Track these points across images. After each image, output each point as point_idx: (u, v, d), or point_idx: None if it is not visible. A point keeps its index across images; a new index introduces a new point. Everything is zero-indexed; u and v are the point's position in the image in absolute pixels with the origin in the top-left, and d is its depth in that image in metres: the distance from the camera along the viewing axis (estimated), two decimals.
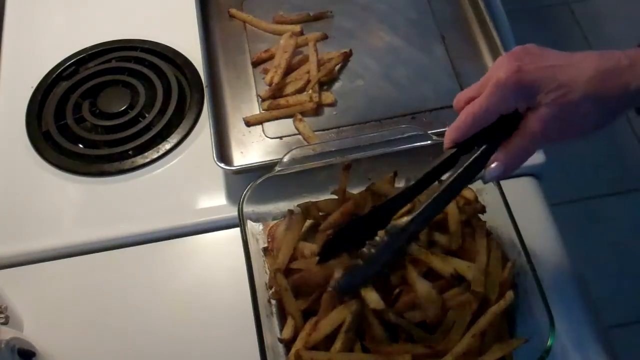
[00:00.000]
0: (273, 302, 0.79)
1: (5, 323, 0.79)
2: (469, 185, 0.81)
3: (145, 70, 1.06)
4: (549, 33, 2.27)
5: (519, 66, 0.62)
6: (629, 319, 1.73)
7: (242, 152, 0.94)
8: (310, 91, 0.97)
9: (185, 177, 0.96)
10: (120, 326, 0.85)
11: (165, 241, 0.91)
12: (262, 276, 0.79)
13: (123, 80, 1.06)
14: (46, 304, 0.87)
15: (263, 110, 0.98)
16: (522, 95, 0.63)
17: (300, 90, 0.98)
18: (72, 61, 1.09)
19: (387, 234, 0.71)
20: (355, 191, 0.84)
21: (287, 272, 0.79)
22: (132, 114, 1.02)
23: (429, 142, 0.84)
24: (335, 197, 0.83)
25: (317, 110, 0.97)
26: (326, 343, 0.73)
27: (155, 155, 0.98)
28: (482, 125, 0.65)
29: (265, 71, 1.01)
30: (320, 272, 0.76)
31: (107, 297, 0.87)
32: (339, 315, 0.73)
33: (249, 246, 0.78)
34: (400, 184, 0.84)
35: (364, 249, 0.73)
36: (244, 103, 0.99)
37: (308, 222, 0.83)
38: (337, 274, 0.74)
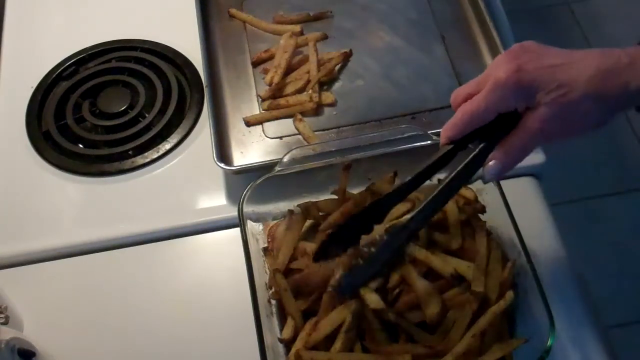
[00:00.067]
0: (273, 302, 0.79)
1: (5, 323, 0.79)
2: (469, 185, 0.81)
3: (145, 70, 1.06)
4: (549, 33, 2.27)
5: (518, 65, 0.62)
6: (629, 319, 1.73)
7: (242, 152, 0.94)
8: (310, 91, 0.97)
9: (185, 177, 0.96)
10: (120, 326, 0.85)
11: (165, 241, 0.91)
12: (262, 276, 0.79)
13: (123, 80, 1.06)
14: (46, 304, 0.87)
15: (263, 110, 0.98)
16: (521, 95, 0.63)
17: (300, 90, 0.98)
18: (72, 61, 1.09)
19: (387, 233, 0.71)
20: (355, 191, 0.84)
21: (287, 272, 0.79)
22: (132, 114, 1.02)
23: (429, 142, 0.84)
24: (335, 197, 0.83)
25: (317, 110, 0.97)
26: (326, 343, 0.73)
27: (155, 155, 0.98)
28: (480, 124, 0.65)
29: (265, 71, 1.01)
30: (320, 272, 0.76)
31: (107, 297, 0.87)
32: (339, 315, 0.73)
33: (249, 246, 0.78)
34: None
35: (364, 249, 0.73)
36: (244, 103, 0.99)
37: (308, 222, 0.83)
38: (337, 274, 0.74)
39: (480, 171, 0.67)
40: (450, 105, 0.69)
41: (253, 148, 0.94)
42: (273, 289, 0.78)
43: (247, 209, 0.81)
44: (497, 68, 0.63)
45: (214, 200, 0.94)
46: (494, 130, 0.65)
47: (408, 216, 0.69)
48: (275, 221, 0.85)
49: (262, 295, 0.77)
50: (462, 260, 0.76)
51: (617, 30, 2.23)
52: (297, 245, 0.81)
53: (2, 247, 0.91)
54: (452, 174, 0.67)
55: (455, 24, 1.06)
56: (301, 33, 1.04)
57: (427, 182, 0.70)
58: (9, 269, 0.90)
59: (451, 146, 0.67)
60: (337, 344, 0.72)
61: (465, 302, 0.72)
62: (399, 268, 0.75)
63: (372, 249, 0.72)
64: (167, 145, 0.99)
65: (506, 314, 0.73)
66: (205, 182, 0.95)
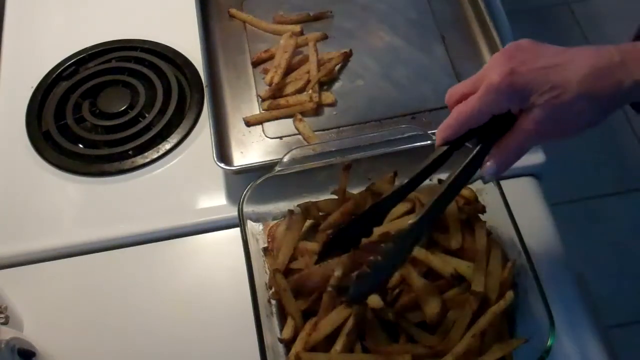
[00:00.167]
0: (273, 302, 0.79)
1: (5, 323, 0.79)
2: (469, 185, 0.81)
3: (145, 70, 1.06)
4: (549, 33, 2.27)
5: (512, 68, 0.62)
6: (629, 319, 1.73)
7: (242, 152, 0.94)
8: (310, 91, 0.97)
9: (185, 177, 0.96)
10: (120, 326, 0.85)
11: (165, 241, 0.91)
12: (262, 276, 0.79)
13: (123, 80, 1.06)
14: (46, 304, 0.87)
15: (263, 110, 0.98)
16: (514, 98, 0.63)
17: (300, 90, 0.98)
18: (72, 61, 1.09)
19: (393, 240, 0.71)
20: (355, 191, 0.84)
21: (287, 272, 0.79)
22: (132, 114, 1.02)
23: (429, 142, 0.84)
24: (335, 197, 0.83)
25: (317, 110, 0.97)
26: (326, 343, 0.73)
27: (155, 155, 0.98)
28: (474, 126, 0.65)
29: (265, 71, 1.01)
30: (320, 272, 0.76)
31: (107, 297, 0.87)
32: (339, 316, 0.73)
33: (249, 246, 0.78)
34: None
35: (371, 257, 0.73)
36: (244, 103, 0.99)
37: (308, 222, 0.83)
38: (338, 273, 0.74)
39: (479, 172, 0.68)
40: None
41: (253, 148, 0.94)
42: (273, 289, 0.78)
43: (247, 209, 0.81)
44: (491, 70, 0.63)
45: (214, 200, 0.94)
46: (489, 130, 0.65)
47: (412, 221, 0.68)
48: (275, 221, 0.85)
49: (262, 295, 0.77)
50: (462, 260, 0.76)
51: (617, 30, 2.23)
52: (297, 245, 0.81)
53: (2, 247, 0.91)
54: (450, 180, 0.67)
55: (455, 24, 1.06)
56: (301, 33, 1.04)
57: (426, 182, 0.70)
58: (9, 269, 0.90)
59: (446, 147, 0.67)
60: (338, 345, 0.72)
61: (465, 302, 0.72)
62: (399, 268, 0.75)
63: (379, 257, 0.72)
64: (167, 145, 0.99)
65: (506, 314, 0.73)
66: (205, 182, 0.95)
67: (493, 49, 1.00)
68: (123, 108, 1.02)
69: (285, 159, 0.83)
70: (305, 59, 1.01)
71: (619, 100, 0.63)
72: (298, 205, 0.83)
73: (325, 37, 1.05)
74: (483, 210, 0.80)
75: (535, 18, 2.32)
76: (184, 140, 0.99)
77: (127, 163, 0.97)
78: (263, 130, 0.96)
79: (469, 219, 0.79)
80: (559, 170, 1.79)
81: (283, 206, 0.85)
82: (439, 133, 0.67)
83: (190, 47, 1.06)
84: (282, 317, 0.78)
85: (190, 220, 0.92)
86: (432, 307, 0.72)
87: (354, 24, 1.07)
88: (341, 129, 0.96)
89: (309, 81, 0.98)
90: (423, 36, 1.05)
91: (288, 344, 0.75)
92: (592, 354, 0.78)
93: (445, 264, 0.75)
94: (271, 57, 1.02)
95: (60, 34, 1.14)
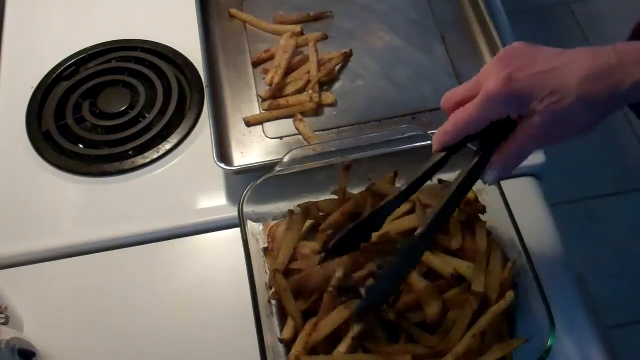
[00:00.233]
0: (273, 302, 0.79)
1: (5, 323, 0.79)
2: None
3: (145, 70, 1.06)
4: (549, 33, 2.27)
5: (509, 75, 0.61)
6: (629, 319, 1.73)
7: (242, 152, 0.94)
8: (310, 91, 0.97)
9: (185, 177, 0.96)
10: (120, 326, 0.85)
11: (165, 241, 0.91)
12: (262, 276, 0.79)
13: (123, 80, 1.06)
14: (46, 304, 0.87)
15: (263, 110, 0.98)
16: (513, 104, 0.62)
17: (300, 90, 0.98)
18: (72, 61, 1.09)
19: (398, 253, 0.70)
20: (355, 191, 0.84)
21: (287, 272, 0.79)
22: (132, 114, 1.02)
23: (429, 142, 0.84)
24: (335, 197, 0.83)
25: (317, 110, 0.97)
26: (326, 343, 0.73)
27: (155, 155, 0.98)
28: (472, 132, 0.65)
29: (265, 71, 1.01)
30: (320, 272, 0.76)
31: (107, 297, 0.87)
32: (339, 316, 0.73)
33: (249, 246, 0.78)
34: (400, 184, 0.84)
35: (378, 270, 0.73)
36: (244, 103, 0.99)
37: (308, 222, 0.83)
38: (339, 274, 0.74)
39: (481, 177, 0.68)
40: None
41: (253, 148, 0.94)
42: (273, 289, 0.78)
43: (247, 209, 0.81)
44: (488, 76, 0.63)
45: (214, 200, 0.94)
46: (488, 135, 0.65)
47: (418, 231, 0.68)
48: (275, 221, 0.85)
49: (262, 295, 0.77)
50: (462, 260, 0.76)
51: (617, 30, 2.21)
52: (297, 245, 0.81)
53: (2, 247, 0.91)
54: (453, 189, 0.67)
55: (455, 24, 1.06)
56: (301, 33, 1.04)
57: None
58: (9, 269, 0.90)
59: (444, 153, 0.67)
60: (342, 347, 0.71)
61: (465, 302, 0.72)
62: None
63: (385, 271, 0.72)
64: (167, 145, 0.99)
65: (506, 314, 0.73)
66: (205, 182, 0.95)
67: (493, 49, 1.00)
68: (123, 108, 1.02)
69: (285, 159, 0.83)
70: (305, 59, 1.01)
71: (618, 101, 0.63)
72: (298, 205, 0.83)
73: (325, 37, 1.05)
74: (483, 210, 0.80)
75: (535, 18, 2.32)
76: (184, 140, 0.99)
77: (127, 163, 0.97)
78: (263, 130, 0.96)
79: (469, 219, 0.79)
80: (559, 170, 1.79)
81: (283, 206, 0.85)
82: (436, 139, 0.67)
83: (190, 47, 1.06)
84: (282, 317, 0.78)
85: (190, 220, 0.92)
86: (432, 307, 0.72)
87: (354, 24, 1.07)
88: (341, 129, 0.96)
89: (309, 81, 0.98)
90: (423, 36, 1.05)
91: (288, 344, 0.75)
92: (592, 354, 0.78)
93: (445, 264, 0.75)
94: (271, 57, 1.02)
95: (60, 34, 1.14)
